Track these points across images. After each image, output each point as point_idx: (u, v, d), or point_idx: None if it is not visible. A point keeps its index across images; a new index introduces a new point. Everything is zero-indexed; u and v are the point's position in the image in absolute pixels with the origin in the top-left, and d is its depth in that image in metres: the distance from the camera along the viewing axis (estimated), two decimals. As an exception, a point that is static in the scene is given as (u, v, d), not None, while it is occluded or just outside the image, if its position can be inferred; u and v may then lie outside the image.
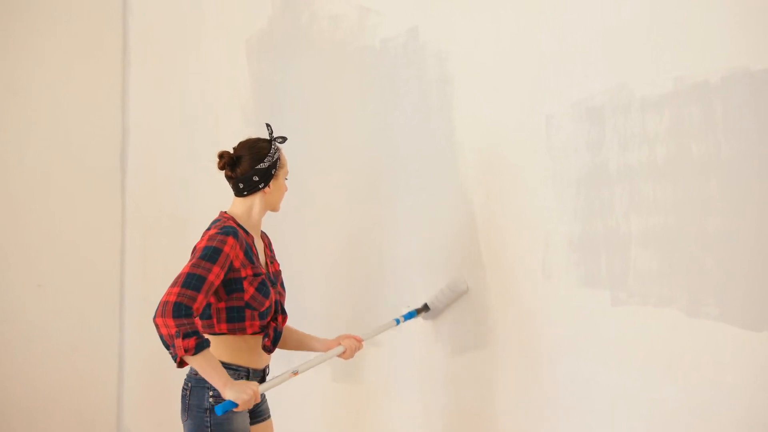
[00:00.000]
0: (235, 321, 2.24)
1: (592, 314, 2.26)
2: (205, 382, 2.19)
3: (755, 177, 1.93)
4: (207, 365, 2.07)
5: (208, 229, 2.26)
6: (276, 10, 3.42)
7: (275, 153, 2.31)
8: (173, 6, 4.10)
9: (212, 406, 2.19)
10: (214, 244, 2.15)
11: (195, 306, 2.07)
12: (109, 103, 4.28)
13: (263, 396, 2.39)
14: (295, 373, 2.30)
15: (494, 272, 2.53)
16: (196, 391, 2.22)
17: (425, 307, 2.69)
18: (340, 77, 3.11)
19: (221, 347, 2.25)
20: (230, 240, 2.17)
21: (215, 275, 2.13)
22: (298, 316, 2.68)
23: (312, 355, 2.50)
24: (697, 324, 2.01)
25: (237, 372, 2.25)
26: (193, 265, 2.11)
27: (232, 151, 2.32)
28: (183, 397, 2.26)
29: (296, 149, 2.86)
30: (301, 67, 3.28)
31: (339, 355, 2.44)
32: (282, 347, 2.48)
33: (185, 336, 2.02)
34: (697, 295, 2.02)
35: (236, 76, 3.64)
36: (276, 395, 2.60)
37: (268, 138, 2.35)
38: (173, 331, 2.01)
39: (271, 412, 2.57)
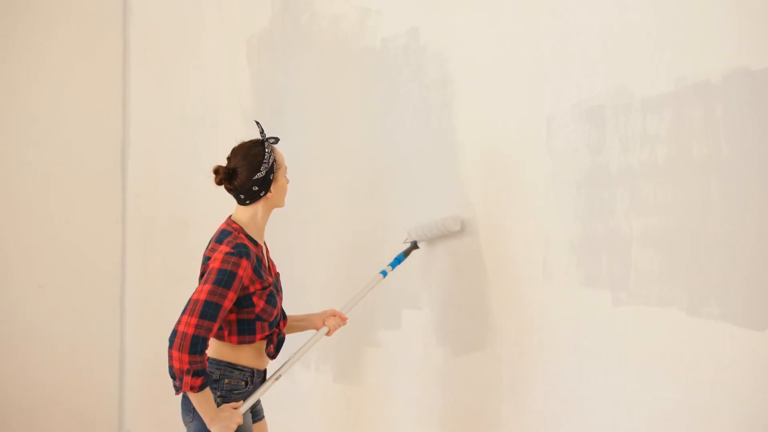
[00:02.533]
0: (245, 333, 2.26)
1: (593, 314, 2.26)
2: (212, 382, 2.22)
3: (756, 177, 1.93)
4: (203, 401, 2.14)
5: (219, 242, 2.23)
6: (276, 11, 3.43)
7: (270, 156, 2.28)
8: (173, 6, 4.10)
9: (219, 406, 2.20)
10: (229, 267, 2.15)
11: (210, 335, 2.12)
12: (109, 103, 4.28)
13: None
14: (279, 377, 2.36)
15: (495, 273, 2.53)
16: None
17: (414, 246, 2.68)
18: (340, 78, 3.11)
19: (228, 350, 2.27)
20: (243, 262, 2.17)
21: (230, 300, 2.16)
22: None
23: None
24: (698, 324, 2.01)
25: (243, 372, 2.27)
26: (210, 291, 2.12)
27: (226, 162, 2.30)
28: (186, 398, 2.26)
29: (297, 150, 2.87)
30: (302, 68, 3.28)
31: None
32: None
33: (195, 374, 2.09)
34: (698, 295, 2.02)
35: (236, 76, 3.64)
36: (276, 395, 2.60)
37: (260, 139, 2.31)
38: (185, 367, 2.07)
39: (272, 412, 2.57)
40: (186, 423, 2.28)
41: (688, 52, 2.06)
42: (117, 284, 4.30)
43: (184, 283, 3.93)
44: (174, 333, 2.09)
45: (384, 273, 2.63)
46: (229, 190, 2.30)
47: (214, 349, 2.27)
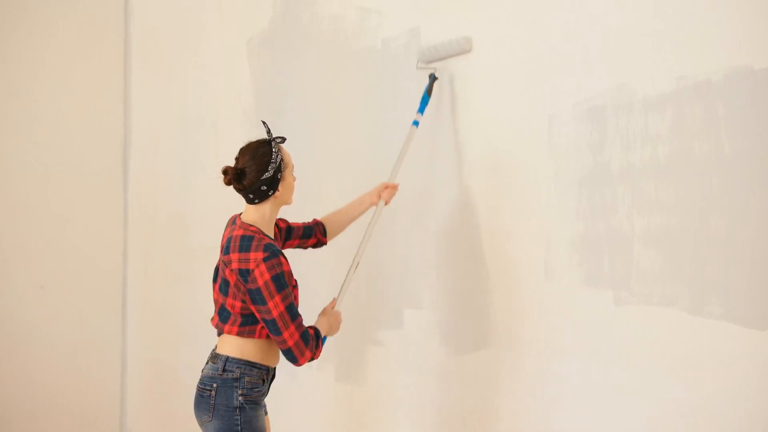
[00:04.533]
0: None
1: (594, 314, 2.26)
2: (233, 381, 2.26)
3: (757, 176, 1.93)
4: (322, 333, 2.39)
5: (246, 249, 2.23)
6: (277, 11, 3.43)
7: (277, 156, 2.30)
8: (174, 7, 4.11)
9: (242, 404, 2.26)
10: (278, 270, 2.22)
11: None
12: (111, 104, 4.29)
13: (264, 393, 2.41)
14: (357, 265, 2.60)
15: (497, 272, 2.54)
16: (222, 390, 2.26)
17: (433, 78, 2.68)
18: (341, 77, 3.12)
19: (255, 349, 2.30)
20: (281, 259, 2.24)
21: (293, 294, 2.29)
22: (302, 314, 2.69)
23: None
24: (700, 323, 2.02)
25: (260, 371, 2.31)
26: (283, 298, 2.22)
27: (234, 163, 2.32)
28: (205, 397, 2.28)
29: (298, 150, 2.86)
30: (303, 68, 3.28)
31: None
32: (335, 235, 2.68)
33: (317, 347, 2.30)
34: (700, 294, 2.02)
35: (237, 76, 3.64)
36: (276, 394, 2.60)
37: (267, 139, 2.33)
38: (309, 355, 2.28)
39: (273, 411, 2.58)
40: (203, 422, 2.30)
41: (689, 51, 2.06)
42: (118, 284, 4.30)
43: (184, 282, 3.94)
44: (289, 350, 2.24)
45: (416, 123, 2.68)
46: (239, 190, 2.32)
47: (237, 347, 2.30)
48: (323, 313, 2.46)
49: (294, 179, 2.39)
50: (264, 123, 2.38)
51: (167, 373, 4.03)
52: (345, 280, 2.57)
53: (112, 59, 4.29)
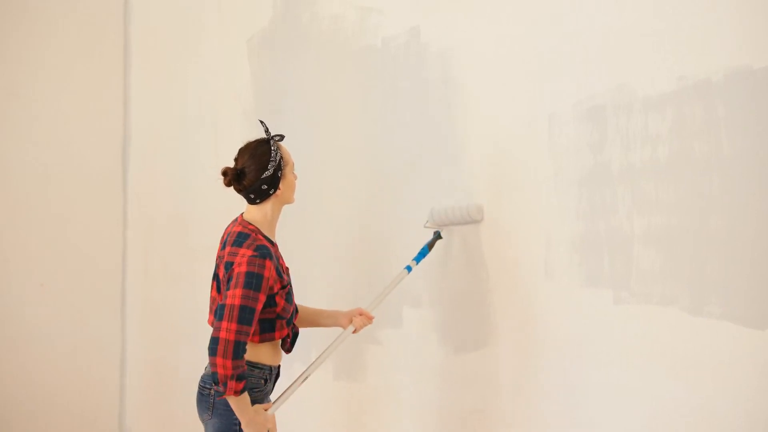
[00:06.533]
0: (266, 332, 2.28)
1: (594, 313, 2.26)
2: None
3: (757, 176, 1.93)
4: (242, 403, 2.18)
5: (239, 245, 2.22)
6: (277, 11, 3.43)
7: (276, 154, 2.29)
8: (174, 6, 4.11)
9: None
10: (256, 270, 2.17)
11: (249, 339, 2.16)
12: (110, 103, 4.28)
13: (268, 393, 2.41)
14: (306, 377, 2.42)
15: (497, 272, 2.54)
16: None
17: (438, 237, 2.64)
18: (341, 77, 3.12)
19: (254, 350, 2.28)
20: (268, 263, 2.19)
21: (260, 303, 2.18)
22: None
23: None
24: (700, 323, 2.02)
25: (262, 371, 2.30)
26: (243, 296, 2.14)
27: (234, 163, 2.31)
28: (205, 395, 2.28)
29: (299, 150, 2.86)
30: (303, 68, 3.28)
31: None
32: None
33: (238, 378, 2.12)
34: (700, 294, 2.02)
35: (237, 76, 3.64)
36: (278, 392, 2.60)
37: (266, 138, 2.32)
38: (230, 372, 2.10)
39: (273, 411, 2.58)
40: (204, 420, 2.30)
41: (689, 51, 2.06)
42: (118, 283, 4.30)
43: (184, 282, 3.94)
44: (216, 340, 2.11)
45: (409, 268, 2.61)
46: (239, 191, 2.31)
47: None
48: (255, 407, 2.23)
49: (295, 177, 2.39)
50: (262, 122, 2.38)
51: (167, 373, 4.03)
52: (289, 389, 2.38)
53: (112, 59, 4.29)
